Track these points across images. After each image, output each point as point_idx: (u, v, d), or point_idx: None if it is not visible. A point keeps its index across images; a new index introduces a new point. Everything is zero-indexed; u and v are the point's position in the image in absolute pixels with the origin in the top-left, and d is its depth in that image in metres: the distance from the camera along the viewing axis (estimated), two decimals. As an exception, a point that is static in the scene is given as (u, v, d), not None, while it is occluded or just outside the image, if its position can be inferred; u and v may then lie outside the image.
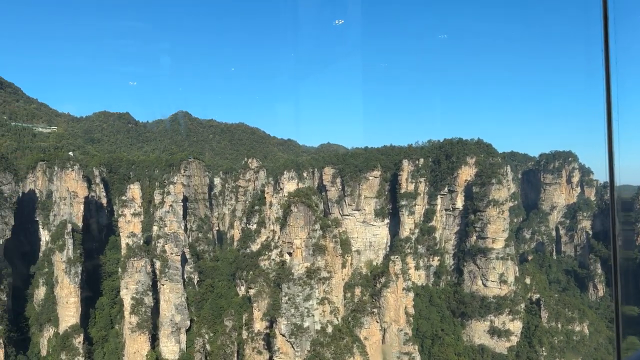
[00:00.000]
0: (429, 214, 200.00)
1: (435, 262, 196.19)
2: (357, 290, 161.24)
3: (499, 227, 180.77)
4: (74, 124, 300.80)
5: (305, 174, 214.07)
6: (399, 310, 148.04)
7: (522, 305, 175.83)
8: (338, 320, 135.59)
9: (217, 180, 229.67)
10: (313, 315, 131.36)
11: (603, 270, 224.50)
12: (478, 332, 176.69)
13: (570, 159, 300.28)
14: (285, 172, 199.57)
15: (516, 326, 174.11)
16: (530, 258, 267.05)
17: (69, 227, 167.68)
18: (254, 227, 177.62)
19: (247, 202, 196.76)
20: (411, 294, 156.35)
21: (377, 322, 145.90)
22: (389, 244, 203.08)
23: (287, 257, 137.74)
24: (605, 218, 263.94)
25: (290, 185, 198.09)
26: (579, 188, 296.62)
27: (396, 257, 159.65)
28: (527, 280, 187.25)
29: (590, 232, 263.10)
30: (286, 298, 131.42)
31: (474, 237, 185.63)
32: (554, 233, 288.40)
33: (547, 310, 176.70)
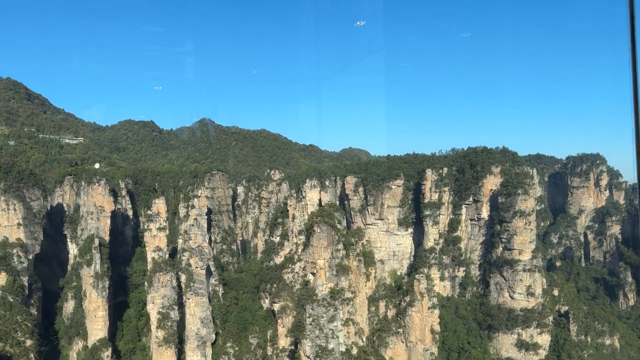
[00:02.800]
0: (453, 224, 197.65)
1: (460, 273, 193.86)
2: (382, 304, 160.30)
3: (526, 238, 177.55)
4: (100, 133, 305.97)
5: (327, 182, 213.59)
6: (424, 330, 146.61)
7: (550, 318, 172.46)
8: (363, 341, 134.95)
9: (240, 189, 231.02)
10: (338, 337, 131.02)
11: (634, 279, 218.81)
12: (505, 345, 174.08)
13: (598, 161, 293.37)
14: (307, 181, 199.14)
15: (544, 339, 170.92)
16: (558, 264, 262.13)
17: (96, 241, 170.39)
18: (277, 239, 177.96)
19: (270, 213, 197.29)
20: (437, 312, 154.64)
21: (403, 342, 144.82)
22: (413, 253, 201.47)
23: (310, 277, 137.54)
24: (635, 223, 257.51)
25: (312, 194, 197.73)
26: (607, 191, 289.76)
27: (421, 275, 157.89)
28: (555, 292, 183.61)
29: (620, 238, 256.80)
30: (310, 319, 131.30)
31: (500, 248, 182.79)
32: (582, 237, 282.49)
33: (576, 323, 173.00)
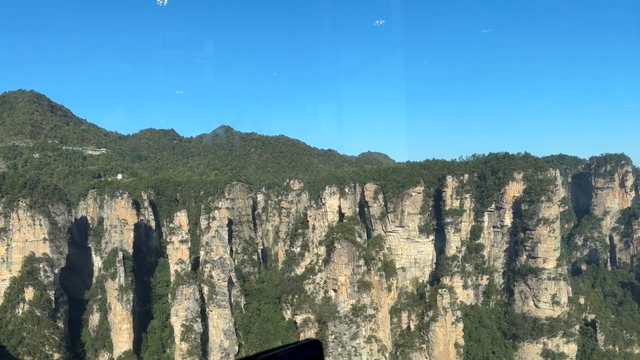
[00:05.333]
0: (475, 231, 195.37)
1: (484, 281, 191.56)
2: (404, 315, 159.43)
3: (550, 246, 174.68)
4: (122, 142, 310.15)
5: (347, 189, 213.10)
6: (448, 345, 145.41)
7: (577, 327, 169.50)
8: (386, 358, 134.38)
9: (260, 197, 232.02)
10: (360, 355, 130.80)
11: None
12: (531, 354, 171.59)
13: (623, 161, 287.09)
14: (327, 188, 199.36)
15: (571, 349, 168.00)
16: (583, 268, 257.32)
17: (120, 254, 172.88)
18: (297, 250, 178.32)
19: (290, 223, 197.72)
20: (460, 325, 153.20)
21: (426, 357, 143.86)
22: (434, 260, 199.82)
23: (332, 293, 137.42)
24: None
25: (332, 201, 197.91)
26: (633, 192, 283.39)
27: (444, 290, 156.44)
28: (582, 300, 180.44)
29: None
30: (332, 337, 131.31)
31: (524, 256, 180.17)
32: (607, 240, 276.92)
33: (604, 332, 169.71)
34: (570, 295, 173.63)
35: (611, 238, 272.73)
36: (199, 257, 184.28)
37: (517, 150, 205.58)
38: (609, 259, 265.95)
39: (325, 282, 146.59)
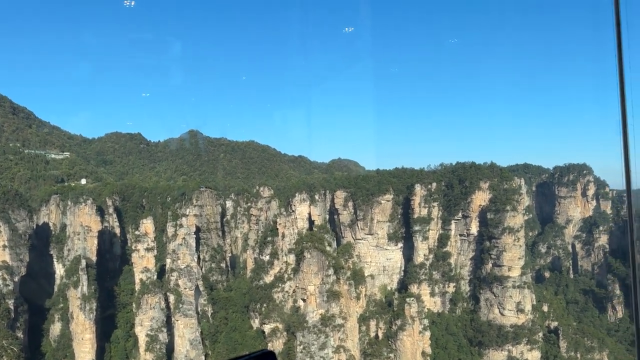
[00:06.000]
0: (443, 239, 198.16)
1: (450, 288, 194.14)
2: (372, 323, 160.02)
3: (515, 254, 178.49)
4: (86, 146, 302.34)
5: (317, 196, 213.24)
6: (415, 354, 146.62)
7: (540, 334, 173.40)
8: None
9: (229, 203, 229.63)
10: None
11: (622, 291, 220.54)
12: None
13: (585, 171, 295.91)
14: (297, 195, 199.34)
15: (535, 356, 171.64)
16: (547, 275, 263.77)
17: (83, 262, 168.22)
18: (266, 258, 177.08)
19: (260, 231, 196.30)
20: (428, 334, 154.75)
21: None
22: (403, 268, 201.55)
23: (301, 302, 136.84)
24: (622, 234, 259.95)
25: (302, 208, 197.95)
26: (594, 201, 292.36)
27: (412, 299, 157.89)
28: (545, 308, 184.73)
29: (608, 248, 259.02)
30: (301, 347, 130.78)
31: (490, 265, 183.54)
32: (570, 247, 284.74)
33: (566, 339, 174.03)
34: (534, 302, 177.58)
35: (573, 246, 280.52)
36: (165, 265, 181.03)
37: (484, 160, 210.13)
38: (571, 267, 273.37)
39: (294, 291, 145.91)
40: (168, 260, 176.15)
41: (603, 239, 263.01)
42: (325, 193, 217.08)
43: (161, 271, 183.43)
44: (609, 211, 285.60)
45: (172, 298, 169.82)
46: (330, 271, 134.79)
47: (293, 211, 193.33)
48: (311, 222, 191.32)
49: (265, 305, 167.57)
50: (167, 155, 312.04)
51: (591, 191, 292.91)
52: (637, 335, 9.66)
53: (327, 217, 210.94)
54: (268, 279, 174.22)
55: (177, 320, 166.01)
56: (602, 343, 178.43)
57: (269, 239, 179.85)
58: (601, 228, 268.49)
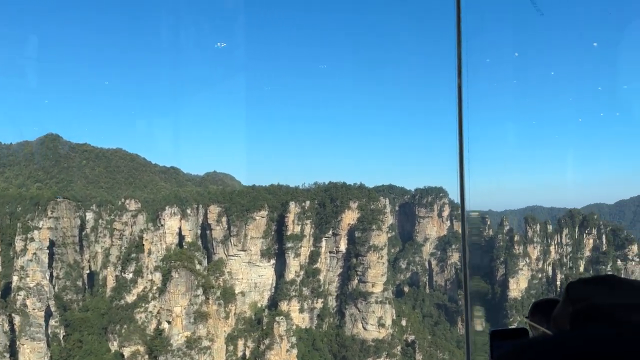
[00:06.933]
0: (314, 256, 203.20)
1: (319, 304, 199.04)
2: (240, 342, 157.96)
3: (378, 271, 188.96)
4: None
5: (189, 211, 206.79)
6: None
7: (399, 348, 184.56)
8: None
9: (89, 215, 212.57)
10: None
11: (483, 307, 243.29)
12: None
13: (441, 194, 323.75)
14: (167, 208, 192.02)
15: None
16: (406, 290, 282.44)
17: None
18: (129, 276, 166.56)
19: (124, 247, 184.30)
20: (295, 351, 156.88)
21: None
22: (274, 284, 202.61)
23: (165, 324, 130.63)
24: (471, 252, 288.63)
25: (172, 222, 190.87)
26: (448, 222, 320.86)
27: (281, 318, 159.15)
28: (403, 322, 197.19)
29: (459, 265, 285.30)
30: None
31: (356, 281, 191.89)
32: (427, 264, 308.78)
33: (422, 352, 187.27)
34: (394, 317, 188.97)
35: (430, 263, 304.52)
36: (12, 282, 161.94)
37: (354, 180, 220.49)
38: (427, 282, 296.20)
39: (159, 312, 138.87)
40: (15, 278, 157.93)
41: (455, 257, 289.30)
42: (198, 207, 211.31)
43: (6, 290, 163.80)
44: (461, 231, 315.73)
45: (17, 320, 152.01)
46: (199, 291, 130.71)
47: (162, 225, 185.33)
48: (181, 237, 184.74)
49: (125, 326, 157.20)
50: (19, 159, 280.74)
51: (446, 212, 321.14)
52: (467, 343, 10.21)
53: (199, 232, 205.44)
54: (130, 298, 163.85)
55: (23, 345, 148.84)
56: (453, 355, 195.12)
57: (133, 255, 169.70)
58: (454, 247, 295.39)
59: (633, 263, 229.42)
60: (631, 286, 2.63)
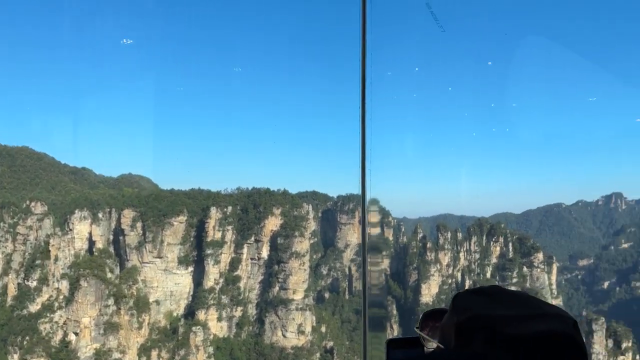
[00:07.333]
0: (234, 263, 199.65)
1: (238, 312, 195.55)
2: (154, 353, 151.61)
3: (300, 278, 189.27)
4: None
5: (100, 215, 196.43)
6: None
7: (318, 355, 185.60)
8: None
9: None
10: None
11: (398, 311, 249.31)
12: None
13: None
14: (76, 211, 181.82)
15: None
16: (327, 296, 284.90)
17: None
18: (34, 284, 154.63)
19: (27, 252, 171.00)
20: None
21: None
22: (192, 293, 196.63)
23: (72, 336, 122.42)
24: (400, 259, 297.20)
25: (81, 227, 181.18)
26: (376, 228, 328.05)
27: (198, 328, 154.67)
28: (323, 329, 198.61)
29: (389, 271, 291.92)
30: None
31: (277, 288, 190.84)
32: (347, 270, 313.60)
33: (340, 358, 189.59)
34: (314, 324, 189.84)
35: (350, 269, 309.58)
36: None
37: (279, 186, 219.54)
38: (347, 288, 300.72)
39: (65, 322, 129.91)
40: None
41: (385, 263, 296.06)
42: (111, 211, 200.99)
43: None
44: (390, 238, 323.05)
45: None
46: (110, 301, 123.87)
47: (70, 230, 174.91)
48: (92, 243, 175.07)
49: (28, 338, 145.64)
50: None
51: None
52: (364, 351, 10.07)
53: (112, 237, 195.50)
54: (34, 307, 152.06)
55: None
56: None
57: (38, 261, 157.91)
58: (384, 253, 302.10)
59: (538, 270, 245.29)
60: (513, 297, 2.64)
